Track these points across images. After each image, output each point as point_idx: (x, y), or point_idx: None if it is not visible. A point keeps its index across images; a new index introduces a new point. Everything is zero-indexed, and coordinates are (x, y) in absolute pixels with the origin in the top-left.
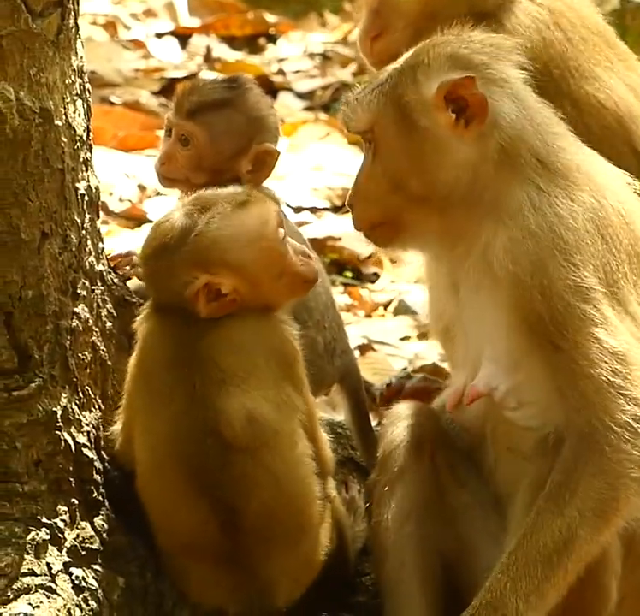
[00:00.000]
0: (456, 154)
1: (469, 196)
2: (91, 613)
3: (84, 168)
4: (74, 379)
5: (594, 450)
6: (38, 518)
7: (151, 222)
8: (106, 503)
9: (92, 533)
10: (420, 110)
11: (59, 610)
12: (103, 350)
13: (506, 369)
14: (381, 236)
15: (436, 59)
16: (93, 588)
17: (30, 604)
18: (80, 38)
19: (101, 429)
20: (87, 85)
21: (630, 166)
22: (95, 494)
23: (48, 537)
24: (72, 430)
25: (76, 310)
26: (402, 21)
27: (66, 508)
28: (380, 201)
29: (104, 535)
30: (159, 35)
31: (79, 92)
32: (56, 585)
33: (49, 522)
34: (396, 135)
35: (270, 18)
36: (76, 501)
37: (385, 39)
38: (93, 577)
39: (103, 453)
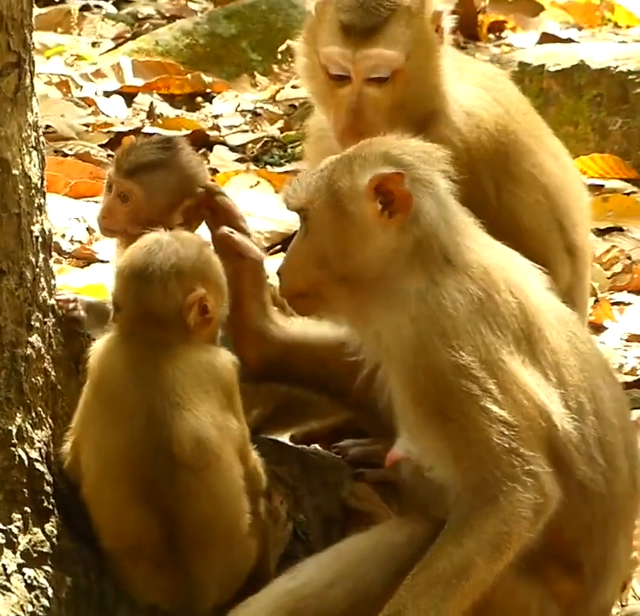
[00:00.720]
0: (376, 240)
1: (377, 282)
2: (42, 608)
3: (38, 213)
4: (28, 401)
5: (488, 497)
6: None
7: (99, 261)
8: (56, 512)
9: (43, 538)
10: (351, 197)
11: (13, 606)
12: (53, 375)
13: (414, 436)
14: (302, 306)
15: (373, 154)
16: (44, 586)
17: None
18: (35, 95)
19: (51, 445)
20: (42, 138)
21: (556, 238)
22: (45, 504)
23: (3, 541)
24: (25, 447)
25: (30, 339)
26: (381, 120)
27: (20, 516)
28: (305, 274)
29: (54, 539)
30: (107, 94)
31: (34, 144)
32: (11, 584)
33: (4, 528)
34: (327, 217)
35: (207, 79)
36: (29, 510)
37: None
38: (44, 577)
39: (52, 467)
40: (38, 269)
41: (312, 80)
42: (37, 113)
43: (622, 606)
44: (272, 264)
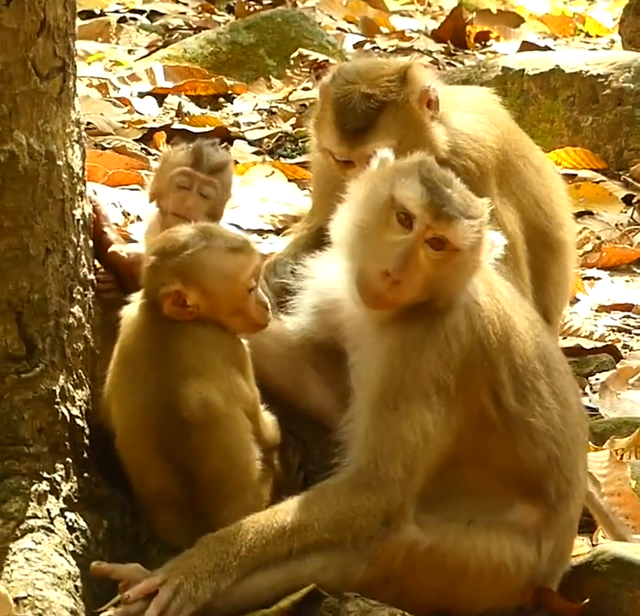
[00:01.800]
0: None
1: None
2: (81, 548)
3: (80, 199)
4: (70, 364)
5: (360, 483)
6: (40, 473)
7: (134, 241)
8: (94, 462)
9: (83, 485)
10: None
11: (56, 545)
12: (92, 341)
13: (357, 408)
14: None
15: None
16: (83, 528)
17: (34, 541)
18: (77, 96)
19: (90, 403)
20: (83, 133)
21: (539, 246)
22: (85, 455)
23: (48, 489)
24: (68, 405)
25: (72, 310)
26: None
27: (62, 466)
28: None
29: (92, 486)
30: (141, 95)
31: (76, 139)
32: (54, 526)
33: (49, 476)
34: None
35: (228, 82)
36: (70, 460)
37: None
38: (83, 520)
39: (91, 422)
40: (79, 249)
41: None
42: (79, 111)
43: (593, 545)
44: (284, 244)
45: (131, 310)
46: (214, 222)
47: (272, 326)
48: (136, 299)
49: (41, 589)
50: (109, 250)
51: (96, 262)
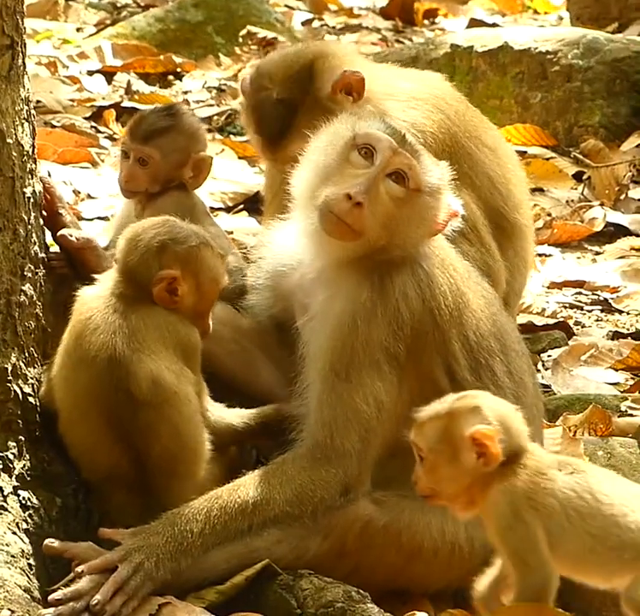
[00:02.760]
0: None
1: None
2: (34, 526)
3: (30, 177)
4: (22, 342)
5: (317, 456)
6: None
7: (85, 219)
8: (47, 440)
9: (36, 463)
10: None
11: (9, 524)
12: (44, 319)
13: (308, 379)
14: None
15: None
16: (37, 506)
17: None
18: (27, 74)
19: (42, 381)
20: (33, 112)
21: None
22: (38, 433)
23: (1, 467)
24: (20, 382)
25: (23, 288)
26: None
27: (15, 444)
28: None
29: (45, 464)
30: (90, 73)
31: (26, 117)
32: (7, 504)
33: (1, 454)
34: None
35: (177, 60)
36: (23, 438)
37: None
38: (36, 498)
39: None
40: (30, 227)
41: None
42: (28, 89)
43: None
44: (234, 221)
45: (90, 289)
46: (166, 186)
47: (222, 312)
48: (101, 278)
49: None
50: (58, 234)
51: (48, 240)
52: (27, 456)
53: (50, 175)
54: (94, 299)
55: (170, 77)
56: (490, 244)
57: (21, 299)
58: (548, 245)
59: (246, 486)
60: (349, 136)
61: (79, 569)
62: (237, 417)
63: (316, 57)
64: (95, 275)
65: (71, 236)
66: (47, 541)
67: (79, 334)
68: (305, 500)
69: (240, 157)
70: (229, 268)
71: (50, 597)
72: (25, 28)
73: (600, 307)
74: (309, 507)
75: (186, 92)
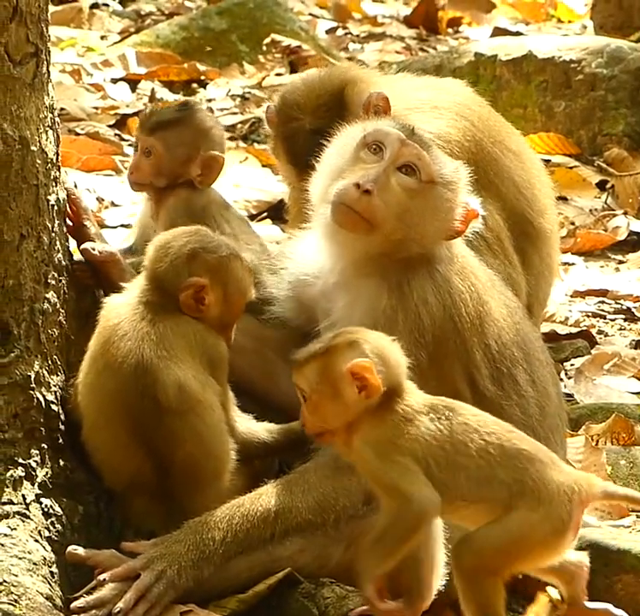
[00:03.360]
0: None
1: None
2: (56, 533)
3: (54, 184)
4: (45, 350)
5: (339, 464)
6: (16, 459)
7: (108, 227)
8: (69, 448)
9: (58, 471)
10: None
11: (32, 531)
12: (67, 327)
13: None
14: None
15: None
16: (59, 514)
17: (9, 526)
18: (51, 81)
19: (65, 389)
20: (57, 119)
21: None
22: (60, 441)
23: (23, 474)
24: (43, 390)
25: (47, 296)
26: None
27: (37, 451)
28: None
29: (68, 472)
30: (114, 80)
31: (50, 124)
32: (30, 512)
33: (24, 462)
34: None
35: (201, 68)
36: (45, 446)
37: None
38: (59, 506)
39: (67, 408)
40: (53, 234)
41: None
42: (52, 97)
43: None
44: (260, 229)
45: (118, 297)
46: (173, 182)
47: (244, 322)
48: (128, 286)
49: (17, 575)
50: (82, 247)
51: (72, 247)
52: (50, 464)
53: (76, 186)
54: (122, 307)
55: (194, 85)
56: (513, 256)
57: (45, 307)
58: (572, 253)
59: (269, 494)
60: (360, 136)
61: (101, 577)
62: (266, 431)
63: (344, 84)
64: (122, 284)
65: (94, 250)
66: (70, 549)
67: (106, 341)
68: (328, 509)
69: (263, 165)
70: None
71: (72, 605)
72: (49, 36)
73: (623, 316)
74: (331, 516)
75: (209, 100)
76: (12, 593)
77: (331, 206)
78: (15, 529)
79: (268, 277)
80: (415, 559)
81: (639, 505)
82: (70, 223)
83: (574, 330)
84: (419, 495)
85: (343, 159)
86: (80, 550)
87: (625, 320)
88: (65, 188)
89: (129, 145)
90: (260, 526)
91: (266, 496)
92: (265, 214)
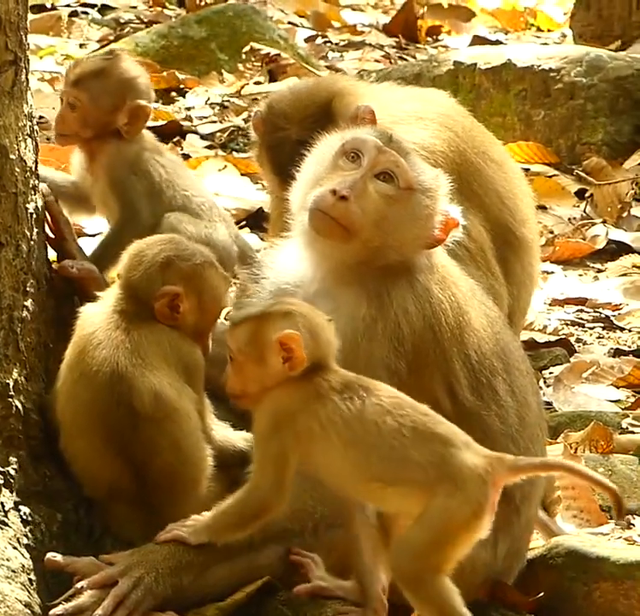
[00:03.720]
0: None
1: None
2: (35, 541)
3: (33, 193)
4: (23, 358)
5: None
6: None
7: (88, 235)
8: (48, 455)
9: (37, 479)
10: None
11: (10, 539)
12: (46, 335)
13: None
14: None
15: None
16: (37, 521)
17: None
18: (30, 90)
19: (44, 397)
20: (36, 127)
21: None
22: (39, 448)
23: (2, 482)
24: (21, 398)
25: (26, 303)
26: None
27: (16, 459)
28: None
29: (46, 480)
30: None
31: (29, 133)
32: (8, 519)
33: (2, 470)
34: None
35: (180, 76)
36: (24, 454)
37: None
38: (37, 514)
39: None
40: (32, 242)
41: None
42: (31, 105)
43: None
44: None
45: (93, 306)
46: (100, 132)
47: (220, 332)
48: (103, 295)
49: None
50: (59, 265)
51: (50, 257)
52: (29, 471)
53: (57, 202)
54: (97, 316)
55: (173, 93)
56: (495, 267)
57: (23, 315)
58: (551, 262)
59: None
60: (339, 144)
61: (79, 585)
62: (243, 439)
63: (332, 96)
64: (97, 293)
65: (72, 268)
66: (49, 556)
67: (81, 350)
68: (305, 517)
69: (242, 174)
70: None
71: (51, 613)
72: (28, 44)
73: (601, 324)
74: (309, 523)
75: (188, 109)
76: None
77: (308, 213)
78: None
79: (249, 286)
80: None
81: (551, 470)
82: (51, 235)
83: (553, 338)
84: (268, 487)
85: (322, 167)
86: (59, 557)
87: (604, 328)
88: (44, 200)
89: None
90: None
91: None
92: (244, 222)
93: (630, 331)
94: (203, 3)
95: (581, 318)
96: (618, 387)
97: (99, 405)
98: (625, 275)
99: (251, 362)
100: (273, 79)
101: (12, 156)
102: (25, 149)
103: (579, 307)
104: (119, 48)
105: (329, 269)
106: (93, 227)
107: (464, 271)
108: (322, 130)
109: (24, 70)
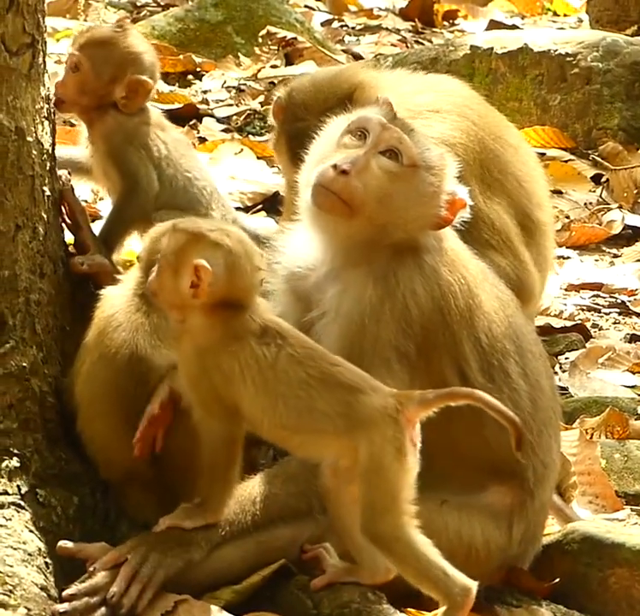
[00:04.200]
0: None
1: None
2: (51, 524)
3: (49, 175)
4: (40, 340)
5: None
6: (11, 450)
7: (102, 218)
8: (65, 438)
9: (53, 462)
10: None
11: (26, 522)
12: (62, 318)
13: None
14: None
15: None
16: (54, 505)
17: (4, 517)
18: (47, 72)
19: (61, 379)
20: (53, 110)
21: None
22: (56, 432)
23: (18, 465)
24: (38, 381)
25: (42, 286)
26: None
27: (33, 442)
28: None
29: (63, 463)
30: None
31: (46, 115)
32: (25, 503)
33: (19, 453)
34: None
35: (197, 59)
36: (41, 437)
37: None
38: (54, 497)
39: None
40: (49, 225)
41: None
42: (48, 87)
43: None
44: (255, 221)
45: (113, 288)
46: (98, 102)
47: None
48: (123, 278)
49: (11, 566)
50: (71, 262)
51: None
52: (45, 454)
53: (70, 177)
54: (117, 298)
55: (190, 77)
56: (524, 254)
57: (40, 297)
58: (566, 247)
59: (251, 484)
60: (344, 126)
61: (91, 567)
62: None
63: (353, 89)
64: (118, 276)
65: (82, 264)
66: (61, 543)
67: (101, 331)
68: (310, 494)
69: (258, 157)
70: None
71: (64, 593)
72: (45, 27)
73: (617, 310)
74: (314, 501)
75: (205, 92)
76: (7, 583)
77: (311, 190)
78: (10, 519)
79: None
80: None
81: (458, 400)
82: (67, 220)
83: (569, 324)
84: (220, 420)
85: (328, 146)
86: (70, 544)
87: (620, 314)
88: (61, 189)
89: None
90: (240, 512)
91: (249, 486)
92: (260, 206)
93: None
94: None
95: (597, 304)
96: (634, 373)
97: (118, 386)
98: None
99: (168, 270)
100: (289, 62)
101: (29, 139)
102: (42, 131)
103: (595, 292)
104: (129, 22)
105: (337, 248)
106: (108, 209)
107: (489, 261)
108: None
109: (41, 53)
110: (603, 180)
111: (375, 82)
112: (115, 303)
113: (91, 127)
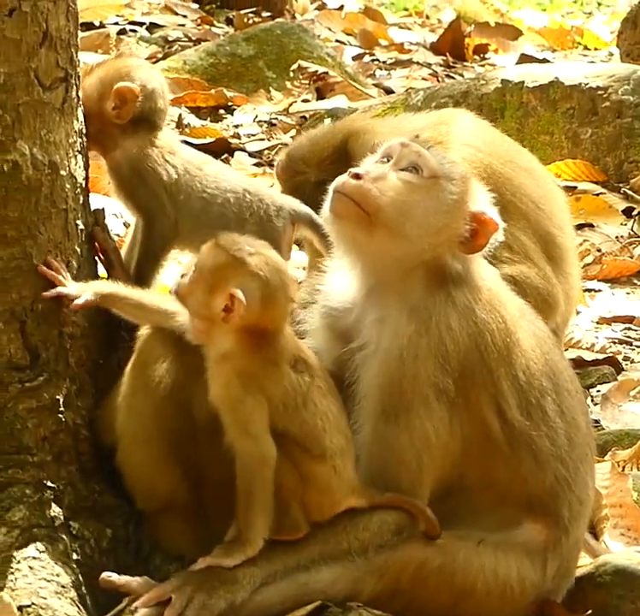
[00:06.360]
0: None
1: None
2: (85, 556)
3: (82, 209)
4: (74, 373)
5: None
6: (45, 482)
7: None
8: (98, 471)
9: (87, 494)
10: None
11: (60, 554)
12: (95, 351)
13: (360, 423)
14: None
15: None
16: (87, 537)
17: (37, 549)
18: (80, 106)
19: (94, 412)
20: (86, 144)
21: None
22: (89, 464)
23: (52, 497)
24: (71, 413)
25: (75, 319)
26: None
27: (66, 474)
28: None
29: (96, 495)
30: None
31: (79, 149)
32: (58, 535)
33: (53, 485)
34: None
35: (228, 94)
36: (74, 469)
37: None
38: (87, 529)
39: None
40: (82, 258)
41: None
42: (82, 121)
43: (595, 556)
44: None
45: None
46: (95, 126)
47: None
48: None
49: (45, 598)
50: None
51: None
52: (79, 487)
53: (104, 212)
54: (156, 331)
55: (221, 111)
56: (545, 268)
57: (73, 330)
58: (598, 280)
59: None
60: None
61: (133, 606)
62: None
63: (348, 137)
64: None
65: None
66: (104, 575)
67: (142, 364)
68: (350, 535)
69: None
70: None
71: None
72: (79, 61)
73: None
74: (356, 543)
75: (237, 126)
76: (40, 615)
77: (329, 198)
78: (44, 551)
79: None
80: None
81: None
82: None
83: (600, 357)
84: (266, 440)
85: None
86: (114, 576)
87: None
88: (93, 228)
89: None
90: (282, 552)
91: None
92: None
93: None
94: (251, 22)
95: (629, 336)
96: None
97: (161, 416)
98: None
99: (203, 284)
100: (321, 96)
101: (62, 173)
102: (75, 165)
103: (627, 325)
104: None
105: (368, 271)
106: None
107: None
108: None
109: (74, 87)
110: (635, 213)
111: (370, 128)
112: (156, 336)
113: (106, 161)
